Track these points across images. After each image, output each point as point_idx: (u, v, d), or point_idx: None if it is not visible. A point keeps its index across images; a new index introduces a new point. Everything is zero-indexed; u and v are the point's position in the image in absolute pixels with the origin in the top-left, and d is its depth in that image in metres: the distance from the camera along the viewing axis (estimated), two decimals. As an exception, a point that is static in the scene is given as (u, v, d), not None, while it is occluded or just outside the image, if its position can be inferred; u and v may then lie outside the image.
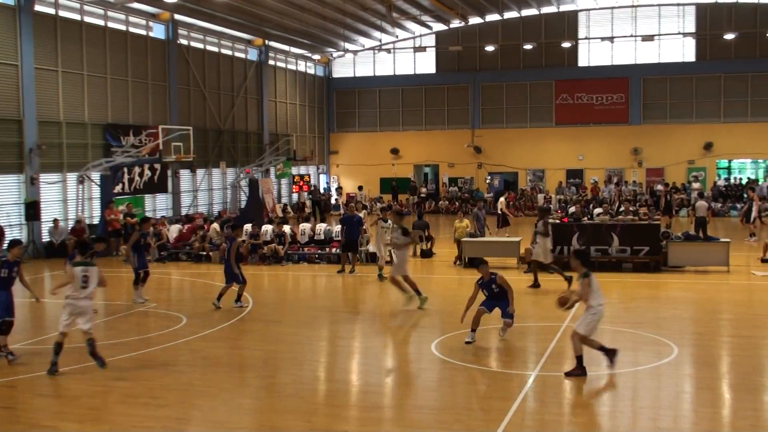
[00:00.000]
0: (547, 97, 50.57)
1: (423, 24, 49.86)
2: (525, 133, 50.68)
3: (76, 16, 31.72)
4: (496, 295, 14.39)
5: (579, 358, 11.95)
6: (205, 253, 26.69)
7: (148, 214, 32.93)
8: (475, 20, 50.18)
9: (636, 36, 47.53)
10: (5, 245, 14.94)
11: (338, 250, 25.30)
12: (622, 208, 29.66)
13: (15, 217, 28.29)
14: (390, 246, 19.58)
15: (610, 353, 12.16)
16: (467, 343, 13.92)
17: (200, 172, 40.30)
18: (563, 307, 12.80)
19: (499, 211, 31.75)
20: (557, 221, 24.68)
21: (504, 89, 51.48)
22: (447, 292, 20.41)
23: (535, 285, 20.21)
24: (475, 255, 24.10)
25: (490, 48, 48.43)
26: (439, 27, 51.15)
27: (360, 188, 51.30)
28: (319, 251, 26.45)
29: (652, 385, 11.89)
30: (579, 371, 11.88)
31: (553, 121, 50.45)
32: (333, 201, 49.85)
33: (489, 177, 50.76)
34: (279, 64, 48.93)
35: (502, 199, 33.10)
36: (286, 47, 48.59)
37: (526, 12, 49.67)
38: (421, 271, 23.95)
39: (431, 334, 15.28)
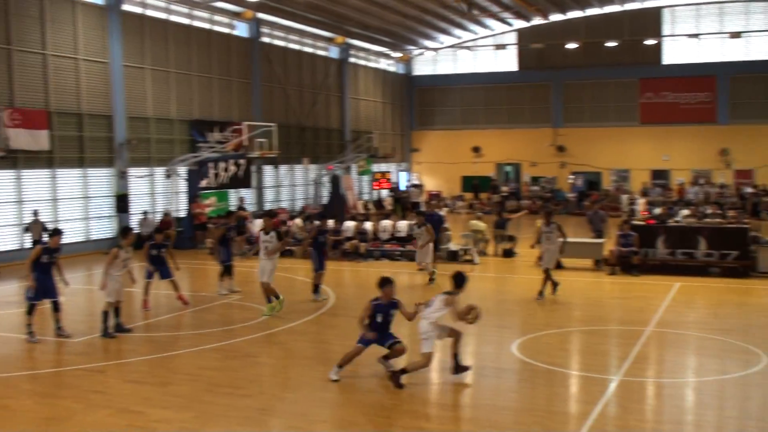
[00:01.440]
0: (632, 96, 49.63)
1: (503, 21, 49.48)
2: (608, 132, 49.80)
3: (163, 15, 32.49)
4: (385, 326, 11.98)
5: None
6: (288, 248, 26.98)
7: (232, 209, 33.51)
8: (556, 17, 49.57)
9: (723, 33, 46.29)
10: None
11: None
12: (709, 210, 28.94)
13: (106, 209, 29.12)
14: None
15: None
16: (333, 381, 11.81)
17: (283, 167, 40.84)
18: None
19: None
20: (642, 223, 24.23)
21: (587, 87, 50.75)
22: (529, 293, 20.18)
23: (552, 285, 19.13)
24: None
25: (572, 45, 47.78)
26: (519, 24, 50.69)
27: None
28: (400, 248, 26.51)
29: (740, 395, 11.59)
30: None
31: (637, 120, 49.51)
32: (415, 198, 49.85)
33: (572, 176, 50.10)
34: (360, 61, 49.20)
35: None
36: (367, 45, 48.85)
37: (609, 8, 48.79)
38: (503, 270, 23.80)
39: (512, 334, 15.19)
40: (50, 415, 10.29)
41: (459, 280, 11.98)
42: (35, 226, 23.15)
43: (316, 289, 18.63)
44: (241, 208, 30.15)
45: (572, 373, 12.57)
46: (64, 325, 14.86)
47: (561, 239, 19.02)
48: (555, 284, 19.04)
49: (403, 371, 11.54)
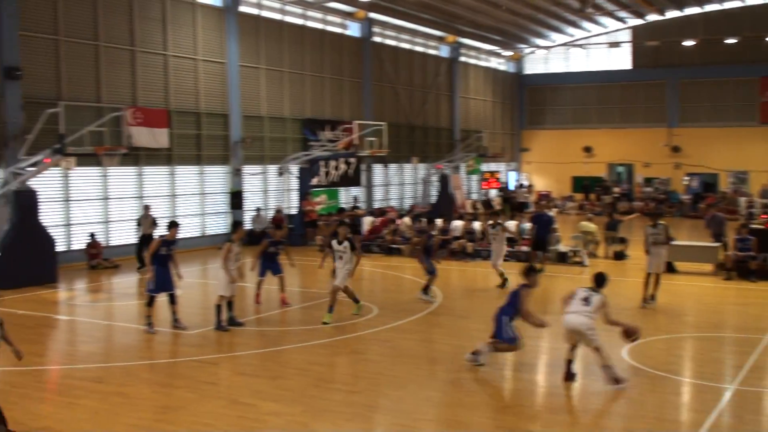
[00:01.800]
0: (751, 95, 47.77)
1: (618, 18, 48.47)
2: (726, 132, 48.04)
3: (278, 16, 33.18)
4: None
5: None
6: (396, 246, 27.23)
7: (342, 206, 34.04)
8: (672, 13, 48.24)
9: None
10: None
11: (528, 248, 25.07)
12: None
13: (221, 205, 29.96)
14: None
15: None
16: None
17: (392, 166, 41.14)
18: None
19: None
20: (761, 226, 23.37)
21: (704, 86, 49.19)
22: (640, 296, 19.78)
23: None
24: (669, 259, 23.23)
25: (689, 42, 46.41)
26: (634, 21, 49.55)
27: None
28: (509, 249, 26.29)
29: None
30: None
31: (757, 119, 47.62)
32: (523, 199, 49.42)
33: (687, 178, 48.67)
34: (470, 60, 49.07)
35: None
36: (477, 44, 48.68)
37: (729, 4, 47.17)
38: (613, 273, 23.31)
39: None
40: (166, 404, 10.69)
41: (600, 280, 12.08)
42: (145, 220, 23.83)
43: (426, 289, 18.70)
44: (355, 207, 30.53)
45: (684, 380, 12.26)
46: (180, 317, 15.39)
47: (667, 242, 18.35)
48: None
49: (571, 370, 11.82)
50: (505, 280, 20.35)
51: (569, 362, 11.81)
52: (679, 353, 13.64)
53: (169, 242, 15.24)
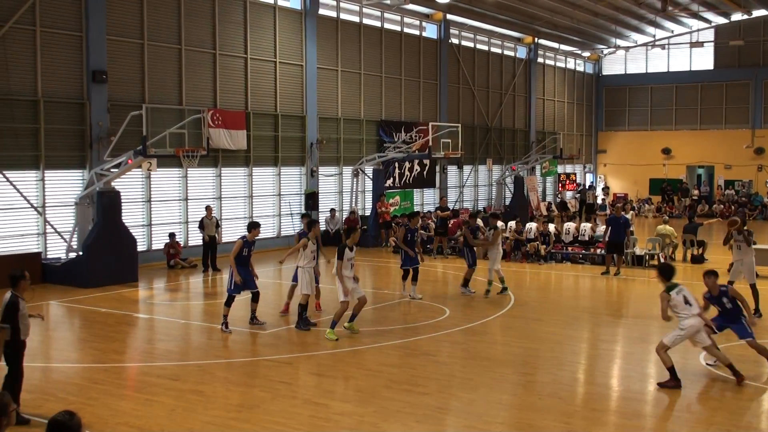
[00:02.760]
0: (841, 95, 46.30)
1: (701, 18, 47.43)
2: (813, 133, 46.68)
3: (355, 18, 33.44)
4: (729, 313, 12.56)
5: (670, 370, 11.66)
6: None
7: (417, 209, 34.16)
8: (759, 12, 46.97)
9: None
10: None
11: (603, 251, 24.79)
12: None
13: (296, 206, 30.34)
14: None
15: (673, 378, 11.69)
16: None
17: (467, 168, 41.06)
18: None
19: None
20: None
21: (791, 86, 47.83)
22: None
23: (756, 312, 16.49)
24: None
25: (776, 42, 45.19)
26: (718, 20, 48.41)
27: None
28: (583, 251, 26.07)
29: None
30: (672, 383, 11.60)
31: None
32: (599, 201, 48.78)
33: (770, 180, 47.40)
34: (548, 61, 48.65)
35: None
36: (555, 45, 48.25)
37: (818, 2, 45.73)
38: (690, 277, 22.90)
39: (699, 344, 14.60)
40: (240, 402, 10.91)
41: (667, 272, 12.18)
42: (209, 222, 24.04)
43: (465, 283, 19.22)
44: (440, 208, 30.38)
45: (765, 387, 11.98)
46: (258, 315, 15.70)
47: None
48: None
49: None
50: (504, 288, 19.54)
51: (730, 366, 11.81)
52: (760, 359, 13.30)
53: (250, 243, 15.49)
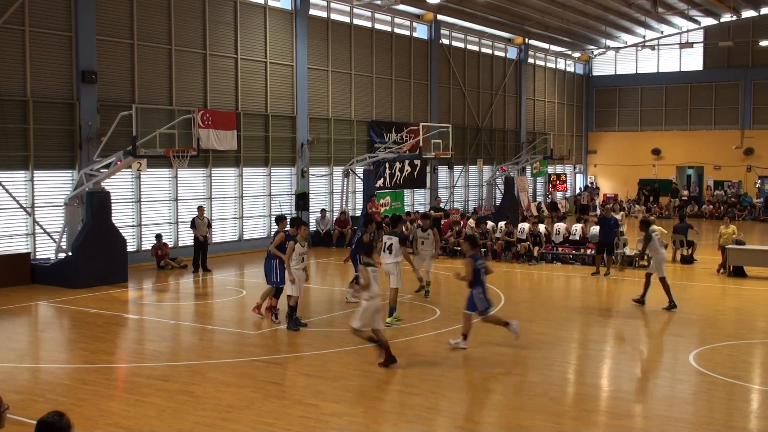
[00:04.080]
0: (828, 95, 46.49)
1: (690, 19, 47.59)
2: (802, 134, 46.84)
3: (346, 19, 33.43)
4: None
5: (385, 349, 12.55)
6: (460, 248, 27.15)
7: (407, 209, 34.20)
8: (748, 13, 47.17)
9: None
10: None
11: (593, 252, 24.85)
12: None
13: (286, 206, 30.31)
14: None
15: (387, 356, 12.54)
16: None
17: (457, 168, 41.11)
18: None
19: None
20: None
21: (779, 87, 48.01)
22: (708, 301, 19.49)
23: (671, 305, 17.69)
24: (740, 263, 22.85)
25: (765, 43, 45.26)
26: (708, 21, 48.58)
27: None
28: (574, 252, 26.12)
29: None
30: (388, 360, 12.46)
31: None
32: (588, 201, 48.89)
33: (759, 181, 47.50)
34: (538, 62, 48.74)
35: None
36: (545, 45, 48.34)
37: (807, 4, 45.94)
38: (681, 278, 23.00)
39: (689, 344, 14.68)
40: (230, 403, 10.88)
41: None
42: (200, 222, 23.99)
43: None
44: (434, 209, 30.43)
45: (754, 387, 12.02)
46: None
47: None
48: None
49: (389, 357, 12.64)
50: (427, 290, 19.18)
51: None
52: (749, 359, 13.39)
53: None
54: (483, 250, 26.85)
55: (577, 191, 51.62)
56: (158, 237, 24.72)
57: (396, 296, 16.42)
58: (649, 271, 18.35)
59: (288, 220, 16.70)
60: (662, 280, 17.87)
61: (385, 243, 16.75)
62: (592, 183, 52.91)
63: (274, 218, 16.67)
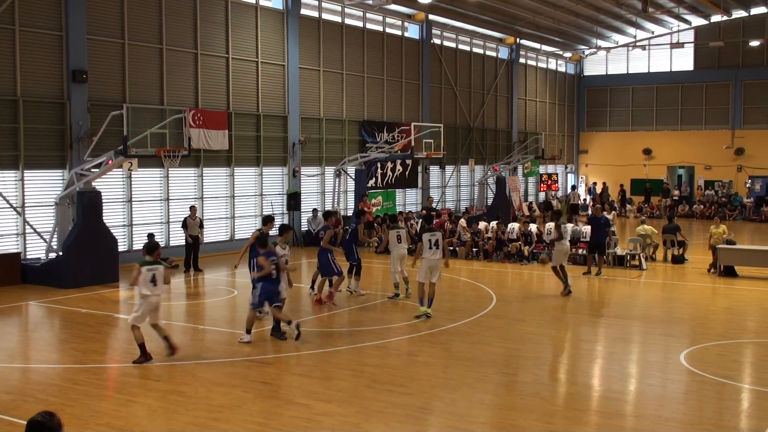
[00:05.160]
0: (820, 96, 46.62)
1: (681, 19, 47.72)
2: (792, 134, 46.95)
3: (337, 19, 33.41)
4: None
5: (141, 347, 12.83)
6: (452, 248, 27.18)
7: (399, 209, 34.19)
8: (738, 13, 47.32)
9: None
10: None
11: (584, 251, 24.89)
12: None
13: (278, 206, 30.29)
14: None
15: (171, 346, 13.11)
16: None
17: (449, 168, 41.13)
18: None
19: None
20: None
21: (769, 87, 48.15)
22: (699, 300, 19.54)
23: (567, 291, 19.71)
24: (730, 263, 22.92)
25: (755, 43, 45.47)
26: (698, 21, 48.73)
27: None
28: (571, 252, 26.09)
29: None
30: (143, 358, 12.77)
31: (824, 121, 46.44)
32: (581, 201, 48.97)
33: (749, 181, 47.66)
34: (530, 62, 48.80)
35: None
36: (537, 45, 48.40)
37: (798, 4, 46.08)
38: (672, 277, 23.05)
39: (680, 343, 14.72)
40: (221, 403, 10.86)
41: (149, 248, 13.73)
42: (193, 223, 23.94)
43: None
44: (426, 209, 30.41)
45: (744, 386, 12.05)
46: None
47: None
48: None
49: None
50: (405, 289, 18.94)
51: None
52: (740, 359, 13.43)
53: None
54: (475, 249, 26.97)
55: (568, 191, 51.65)
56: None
57: (434, 290, 16.69)
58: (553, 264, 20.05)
59: (274, 222, 16.70)
60: (554, 269, 19.87)
61: (429, 240, 16.57)
62: (593, 187, 52.76)
63: (260, 219, 16.63)
